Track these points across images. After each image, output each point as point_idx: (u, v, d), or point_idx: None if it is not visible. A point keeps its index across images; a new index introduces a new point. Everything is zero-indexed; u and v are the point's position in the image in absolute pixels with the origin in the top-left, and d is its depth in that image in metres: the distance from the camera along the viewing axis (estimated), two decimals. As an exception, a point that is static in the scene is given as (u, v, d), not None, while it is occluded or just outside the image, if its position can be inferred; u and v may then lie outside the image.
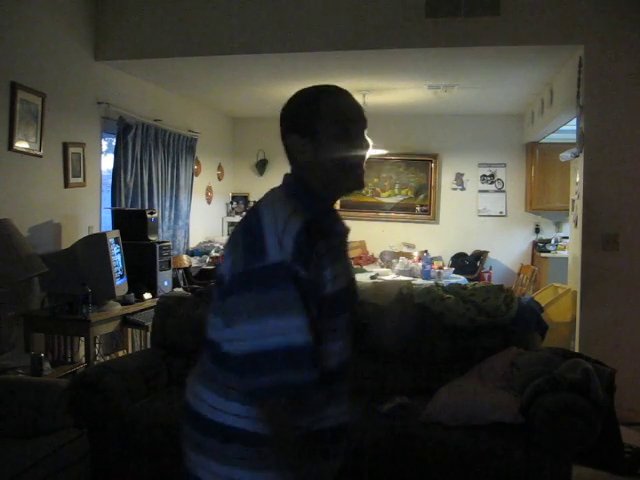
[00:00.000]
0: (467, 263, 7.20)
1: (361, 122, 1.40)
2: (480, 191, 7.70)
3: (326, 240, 1.31)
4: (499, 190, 7.67)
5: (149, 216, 4.84)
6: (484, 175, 7.68)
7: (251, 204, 7.61)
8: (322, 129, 1.34)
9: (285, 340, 1.21)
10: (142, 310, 4.36)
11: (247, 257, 1.25)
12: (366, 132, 1.41)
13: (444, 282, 4.45)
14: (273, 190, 1.40)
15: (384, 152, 7.37)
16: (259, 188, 7.34)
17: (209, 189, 7.48)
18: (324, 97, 1.38)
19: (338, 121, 1.35)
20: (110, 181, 5.21)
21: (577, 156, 4.64)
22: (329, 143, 1.34)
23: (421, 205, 7.87)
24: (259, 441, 1.30)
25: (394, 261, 6.69)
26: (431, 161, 7.79)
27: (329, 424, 1.41)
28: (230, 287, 1.28)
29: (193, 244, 6.86)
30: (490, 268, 7.41)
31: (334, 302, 1.32)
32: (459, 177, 7.76)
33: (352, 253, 7.54)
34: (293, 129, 1.37)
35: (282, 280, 1.22)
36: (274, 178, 1.57)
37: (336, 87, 1.41)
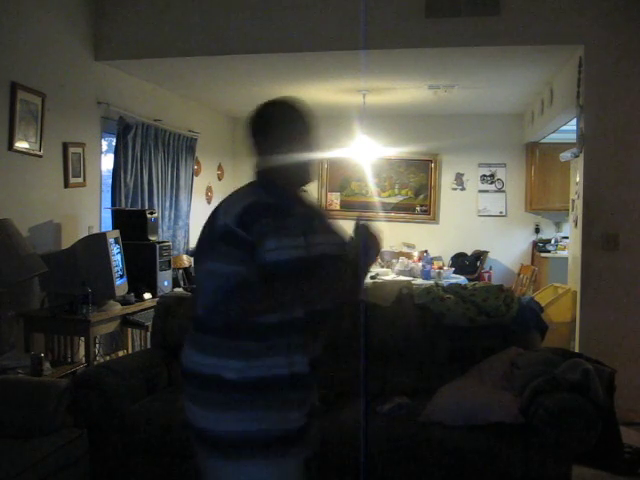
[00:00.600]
0: (467, 263, 7.20)
1: (308, 128, 1.75)
2: (480, 191, 7.70)
3: (276, 218, 1.64)
4: (499, 190, 7.67)
5: (149, 216, 4.84)
6: (484, 175, 7.68)
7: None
8: (276, 134, 1.73)
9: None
10: (142, 310, 4.36)
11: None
12: (317, 136, 1.77)
13: (444, 282, 4.45)
14: (249, 182, 1.80)
15: (384, 152, 7.38)
16: (259, 188, 7.32)
17: (209, 189, 7.47)
18: (278, 107, 1.77)
19: (287, 127, 1.72)
20: (110, 181, 5.21)
21: (577, 156, 4.64)
22: (281, 144, 1.72)
23: (421, 205, 7.87)
24: (230, 386, 1.64)
25: (394, 261, 6.69)
26: (431, 161, 7.79)
27: (279, 372, 1.67)
28: None
29: (193, 244, 6.85)
30: (490, 268, 7.41)
31: (280, 267, 1.62)
32: (459, 177, 7.76)
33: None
34: (254, 133, 1.77)
35: (222, 235, 1.63)
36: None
37: (290, 99, 1.78)
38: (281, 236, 1.63)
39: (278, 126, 1.73)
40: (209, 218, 1.70)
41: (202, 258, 1.72)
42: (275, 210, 1.67)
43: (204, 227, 1.72)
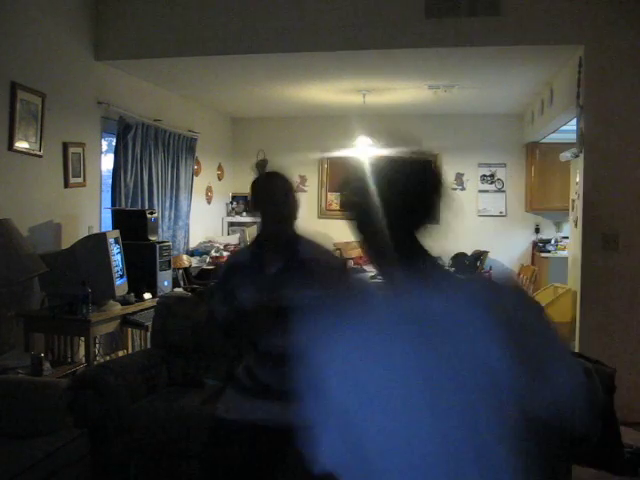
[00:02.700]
0: (467, 263, 7.19)
1: (267, 197, 2.24)
2: (480, 191, 7.70)
3: (251, 276, 2.27)
4: (499, 190, 7.67)
5: (149, 216, 4.84)
6: (484, 175, 7.68)
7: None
8: (256, 205, 2.31)
9: None
10: (142, 310, 4.36)
11: None
12: (273, 201, 2.24)
13: (444, 282, 4.43)
14: (251, 242, 2.48)
15: (384, 152, 7.38)
16: (259, 188, 7.31)
17: (209, 189, 7.48)
18: (255, 190, 2.30)
19: (260, 201, 2.28)
20: (110, 181, 5.21)
21: (577, 156, 4.64)
22: (256, 210, 2.30)
23: (421, 205, 7.85)
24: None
25: (394, 261, 6.67)
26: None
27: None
28: None
29: (193, 244, 6.86)
30: (490, 268, 7.39)
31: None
32: (459, 177, 7.75)
33: (352, 253, 7.54)
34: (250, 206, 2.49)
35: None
36: (274, 178, 1.59)
37: (263, 183, 2.30)
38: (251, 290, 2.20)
39: (256, 200, 2.29)
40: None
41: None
42: (250, 269, 2.27)
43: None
